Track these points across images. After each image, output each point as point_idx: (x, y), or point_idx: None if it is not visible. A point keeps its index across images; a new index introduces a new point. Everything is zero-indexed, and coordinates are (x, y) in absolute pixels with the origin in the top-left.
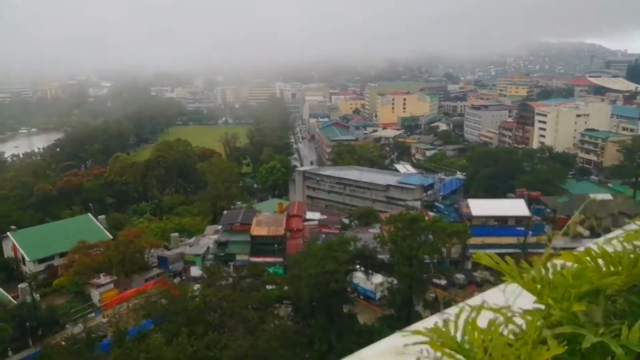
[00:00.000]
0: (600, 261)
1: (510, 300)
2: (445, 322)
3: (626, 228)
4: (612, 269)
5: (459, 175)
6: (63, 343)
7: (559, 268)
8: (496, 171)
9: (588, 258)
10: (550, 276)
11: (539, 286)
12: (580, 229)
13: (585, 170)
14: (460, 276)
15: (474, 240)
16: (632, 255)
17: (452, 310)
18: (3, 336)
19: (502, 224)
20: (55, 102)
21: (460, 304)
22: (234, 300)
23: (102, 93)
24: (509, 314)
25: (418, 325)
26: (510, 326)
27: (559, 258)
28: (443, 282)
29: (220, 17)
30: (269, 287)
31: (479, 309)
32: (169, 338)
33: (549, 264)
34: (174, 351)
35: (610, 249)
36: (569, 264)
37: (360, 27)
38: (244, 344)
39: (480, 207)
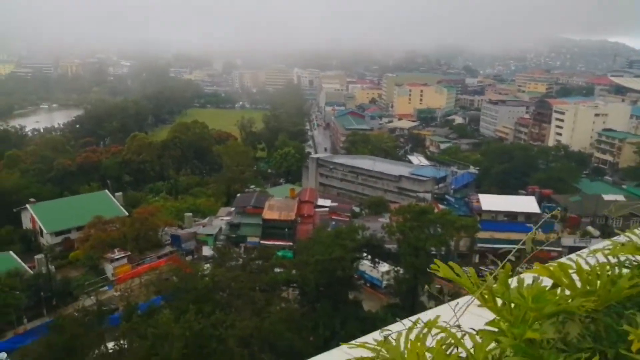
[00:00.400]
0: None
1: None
2: (387, 338)
3: (615, 239)
4: (588, 287)
5: (472, 169)
6: (75, 314)
7: (528, 283)
8: (510, 167)
9: (562, 273)
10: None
11: (500, 304)
12: (590, 229)
13: (600, 170)
14: (466, 269)
15: (483, 234)
16: (610, 272)
17: (395, 327)
18: (18, 304)
19: (511, 220)
20: (75, 79)
21: (414, 318)
22: (243, 281)
23: (122, 72)
24: (459, 334)
25: (364, 339)
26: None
27: (532, 271)
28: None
29: (242, 1)
30: (277, 270)
31: (430, 325)
32: (177, 315)
33: (522, 277)
34: (181, 328)
35: (593, 262)
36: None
37: (381, 15)
38: (249, 324)
39: (490, 202)
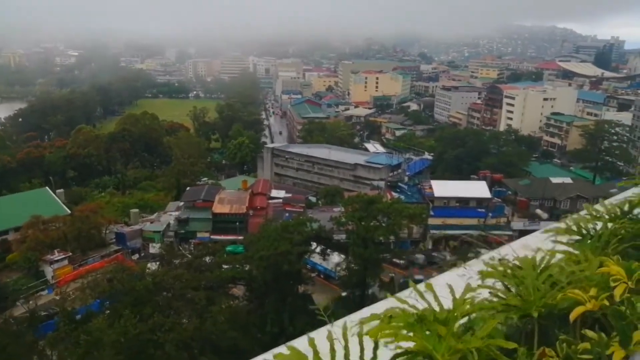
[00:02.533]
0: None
1: None
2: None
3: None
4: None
5: (427, 155)
6: (5, 323)
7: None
8: (463, 152)
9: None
10: None
11: None
12: (539, 211)
13: (549, 153)
14: (420, 256)
15: (436, 220)
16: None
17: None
18: None
19: (463, 206)
20: (19, 70)
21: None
22: (186, 280)
23: (70, 62)
24: None
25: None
26: None
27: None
28: (402, 262)
29: None
30: (225, 266)
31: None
32: (113, 320)
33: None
34: (115, 334)
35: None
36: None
37: (338, 2)
38: (189, 327)
39: (442, 188)
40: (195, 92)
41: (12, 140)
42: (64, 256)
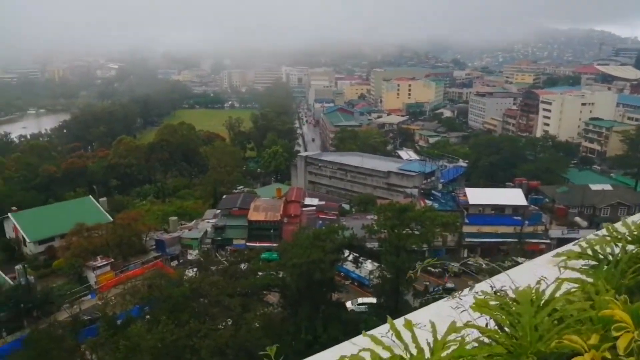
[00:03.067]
0: None
1: None
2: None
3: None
4: None
5: (461, 162)
6: (49, 327)
7: None
8: (498, 159)
9: None
10: None
11: None
12: (578, 219)
13: (588, 159)
14: (455, 264)
15: (470, 228)
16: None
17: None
18: None
19: (499, 213)
20: (63, 84)
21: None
22: (222, 286)
23: (110, 75)
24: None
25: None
26: None
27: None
28: (436, 270)
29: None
30: (260, 273)
31: None
32: (151, 325)
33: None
34: (154, 339)
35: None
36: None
37: (370, 11)
38: (224, 333)
39: (477, 195)
40: (230, 102)
41: (57, 150)
42: (106, 262)
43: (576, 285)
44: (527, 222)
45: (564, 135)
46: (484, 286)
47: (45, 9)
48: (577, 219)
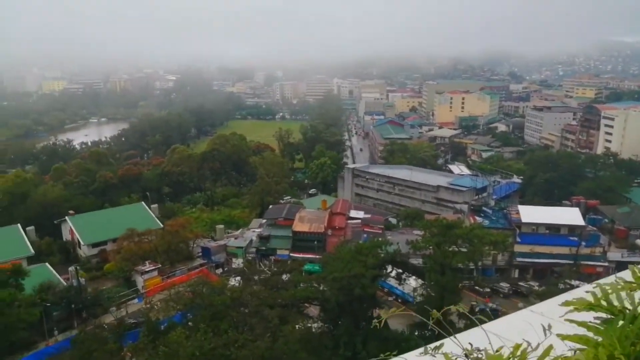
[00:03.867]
0: None
1: None
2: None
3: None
4: None
5: (515, 179)
6: (96, 329)
7: None
8: (555, 176)
9: None
10: None
11: None
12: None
13: None
14: (505, 285)
15: (523, 247)
16: None
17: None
18: (32, 321)
19: (553, 233)
20: (123, 94)
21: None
22: (262, 297)
23: (167, 86)
24: None
25: None
26: None
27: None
28: (484, 290)
29: (283, 13)
30: (302, 285)
31: None
32: (191, 333)
33: None
34: (192, 347)
35: None
36: None
37: (423, 23)
38: (261, 345)
39: (531, 213)
40: (281, 114)
41: (115, 157)
42: (153, 267)
43: (579, 346)
44: (583, 243)
45: (627, 153)
46: (465, 337)
47: (110, 23)
48: (639, 241)
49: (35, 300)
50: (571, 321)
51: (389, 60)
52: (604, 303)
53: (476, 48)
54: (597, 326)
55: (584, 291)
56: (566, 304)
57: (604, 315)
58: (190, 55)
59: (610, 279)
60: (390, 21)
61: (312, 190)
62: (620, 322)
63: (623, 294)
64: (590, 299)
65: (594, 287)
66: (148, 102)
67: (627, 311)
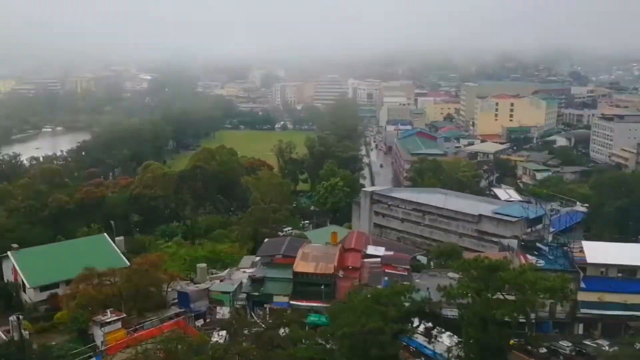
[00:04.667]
0: None
1: None
2: None
3: None
4: None
5: (579, 207)
6: None
7: None
8: (629, 204)
9: None
10: None
11: None
12: None
13: None
14: (566, 344)
15: (589, 296)
16: None
17: None
18: None
19: (628, 277)
20: (85, 97)
21: None
22: (252, 357)
23: (141, 87)
24: None
25: None
26: None
27: None
28: (542, 350)
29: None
30: (304, 342)
31: None
32: None
33: None
34: None
35: None
36: None
37: (461, 9)
38: None
39: (599, 251)
40: (282, 123)
41: (72, 177)
42: (117, 317)
43: None
44: None
45: None
46: None
47: (71, 12)
48: None
49: None
50: None
51: (418, 56)
52: None
53: (529, 41)
54: None
55: None
56: None
57: None
58: (169, 49)
59: None
60: (420, 6)
61: (319, 220)
62: None
63: None
64: None
65: None
66: (116, 107)
67: None
